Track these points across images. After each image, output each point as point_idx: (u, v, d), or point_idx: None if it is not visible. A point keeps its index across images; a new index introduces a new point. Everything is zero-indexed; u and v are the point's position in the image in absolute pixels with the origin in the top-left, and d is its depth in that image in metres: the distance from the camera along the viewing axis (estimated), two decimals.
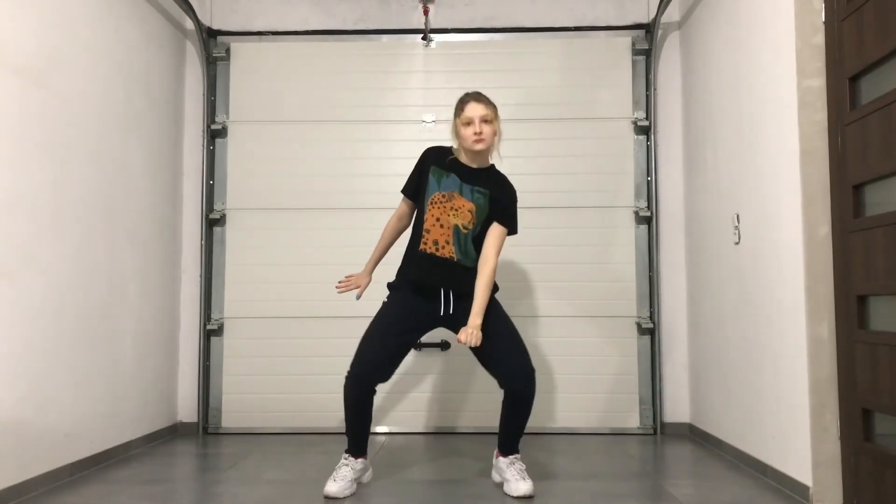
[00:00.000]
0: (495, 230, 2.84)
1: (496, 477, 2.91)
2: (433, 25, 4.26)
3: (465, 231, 2.81)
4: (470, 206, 2.80)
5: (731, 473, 3.11)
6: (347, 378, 2.79)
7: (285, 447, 3.71)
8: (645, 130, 4.20)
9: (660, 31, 4.23)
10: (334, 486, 2.72)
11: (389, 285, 2.92)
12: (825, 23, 2.65)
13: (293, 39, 4.31)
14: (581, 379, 4.11)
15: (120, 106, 3.51)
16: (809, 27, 2.68)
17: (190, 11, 4.06)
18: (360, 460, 2.84)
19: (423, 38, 4.26)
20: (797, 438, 2.72)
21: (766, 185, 2.98)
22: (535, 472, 3.08)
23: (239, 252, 4.22)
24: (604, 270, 4.15)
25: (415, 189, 2.91)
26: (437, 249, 2.80)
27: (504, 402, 2.83)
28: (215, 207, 4.24)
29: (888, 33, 2.29)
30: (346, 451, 2.84)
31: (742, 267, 3.26)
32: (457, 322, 2.82)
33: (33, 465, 2.82)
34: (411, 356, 4.12)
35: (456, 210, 2.80)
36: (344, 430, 2.88)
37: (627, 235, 4.17)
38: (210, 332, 4.18)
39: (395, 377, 4.08)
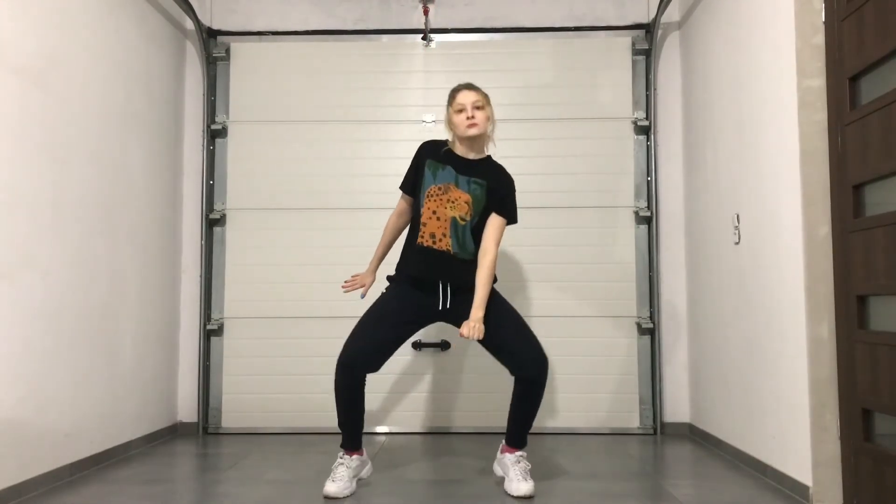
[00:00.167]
0: (494, 221, 2.84)
1: (498, 470, 2.90)
2: (433, 25, 4.26)
3: (463, 223, 2.80)
4: (466, 197, 2.80)
5: (731, 473, 3.11)
6: (336, 368, 2.77)
7: (285, 447, 3.71)
8: (645, 130, 4.20)
9: (660, 31, 4.23)
10: (333, 487, 2.72)
11: (389, 278, 2.92)
12: (825, 23, 2.65)
13: (293, 39, 4.31)
14: (581, 379, 4.11)
15: (120, 106, 3.52)
16: (809, 27, 2.68)
17: (190, 11, 4.06)
18: (355, 457, 2.83)
19: (423, 38, 4.27)
20: (797, 438, 2.72)
21: (766, 185, 2.98)
22: (535, 472, 3.08)
23: (239, 252, 4.22)
24: (604, 270, 4.15)
25: (412, 184, 2.91)
26: (433, 242, 2.79)
27: (515, 390, 2.82)
28: (215, 207, 4.24)
29: (888, 33, 2.29)
30: (342, 447, 2.84)
31: (742, 267, 3.26)
32: (457, 316, 2.80)
33: (33, 465, 2.82)
34: (411, 356, 4.13)
35: (452, 202, 2.79)
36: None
37: (627, 235, 4.17)
38: (210, 332, 4.18)
39: (394, 377, 4.11)
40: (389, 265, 2.99)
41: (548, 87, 4.24)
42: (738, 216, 3.30)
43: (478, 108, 2.81)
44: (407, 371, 4.13)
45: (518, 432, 2.86)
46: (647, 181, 4.18)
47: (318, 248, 4.20)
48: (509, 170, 2.94)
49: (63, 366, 3.02)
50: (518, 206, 2.93)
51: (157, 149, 3.91)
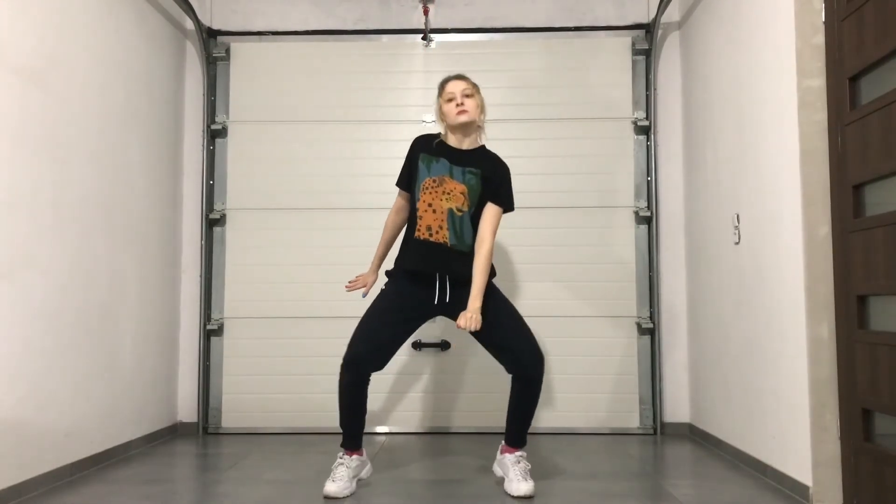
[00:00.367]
0: (490, 210, 2.83)
1: (497, 470, 2.90)
2: (433, 25, 4.26)
3: (460, 213, 2.80)
4: (462, 187, 2.80)
5: (731, 473, 3.11)
6: (341, 368, 2.78)
7: (285, 447, 3.71)
8: (645, 130, 4.20)
9: (660, 31, 4.23)
10: (333, 487, 2.72)
11: (387, 273, 2.92)
12: (825, 23, 2.65)
13: (293, 39, 4.31)
14: (581, 379, 4.11)
15: (120, 106, 3.52)
16: (809, 27, 2.68)
17: (190, 11, 4.06)
18: (355, 457, 2.83)
19: (423, 38, 4.27)
20: (797, 438, 2.72)
21: (766, 185, 2.98)
22: (535, 472, 3.08)
23: (239, 252, 4.22)
24: (604, 270, 4.15)
25: (408, 180, 2.92)
26: (430, 235, 2.79)
27: (512, 388, 2.82)
28: (215, 207, 4.24)
29: (888, 33, 2.29)
30: (342, 447, 2.84)
31: (742, 267, 3.26)
32: (455, 310, 2.79)
33: (33, 465, 2.82)
34: (411, 356, 4.13)
35: (448, 194, 2.79)
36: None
37: (627, 235, 4.17)
38: (210, 332, 4.18)
39: (394, 377, 4.11)
40: (391, 263, 2.99)
41: (548, 87, 4.24)
42: (738, 216, 3.30)
43: (467, 95, 2.83)
44: (407, 371, 4.13)
45: (517, 432, 2.85)
46: (647, 181, 4.18)
47: (318, 248, 4.20)
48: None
49: (63, 366, 3.02)
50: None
51: (157, 149, 3.91)
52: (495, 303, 2.81)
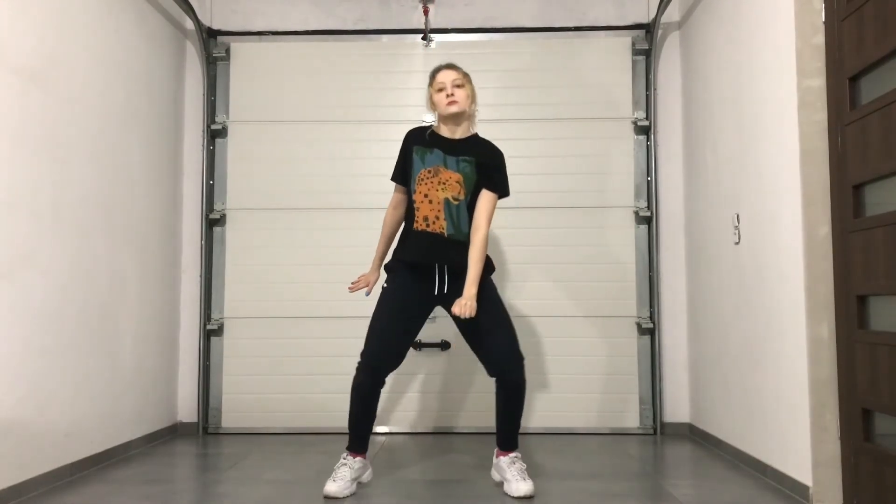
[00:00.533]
0: (485, 196, 2.83)
1: (496, 476, 2.90)
2: (433, 25, 4.26)
3: (456, 202, 2.80)
4: (457, 176, 2.80)
5: (731, 473, 3.11)
6: (358, 370, 2.79)
7: (285, 447, 3.71)
8: (645, 130, 4.20)
9: (660, 31, 4.23)
10: (333, 486, 2.72)
11: (386, 267, 2.93)
12: (825, 23, 2.65)
13: (293, 39, 4.31)
14: (581, 379, 4.11)
15: (120, 106, 3.52)
16: (809, 27, 2.68)
17: (190, 11, 4.06)
18: (358, 459, 2.83)
19: (423, 38, 4.27)
20: (797, 438, 2.72)
21: (766, 185, 2.98)
22: (535, 472, 3.08)
23: (239, 252, 4.22)
24: (604, 270, 4.15)
25: (403, 174, 2.93)
26: (427, 225, 2.80)
27: (496, 393, 2.84)
28: (215, 207, 4.24)
29: (888, 33, 2.29)
30: (347, 449, 2.84)
31: (742, 267, 3.26)
32: (453, 300, 2.78)
33: (33, 465, 2.82)
34: (411, 356, 4.11)
35: (443, 183, 2.80)
36: (346, 431, 2.87)
37: (627, 235, 4.17)
38: (210, 332, 4.18)
39: (394, 377, 4.10)
40: None
41: (548, 87, 4.24)
42: (738, 216, 3.30)
43: (458, 86, 2.83)
44: (407, 371, 4.12)
45: (507, 435, 2.86)
46: (647, 181, 4.18)
47: (319, 247, 4.20)
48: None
49: (63, 366, 3.02)
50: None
51: (157, 149, 3.91)
52: (488, 301, 2.80)
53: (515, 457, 2.84)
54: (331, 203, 4.22)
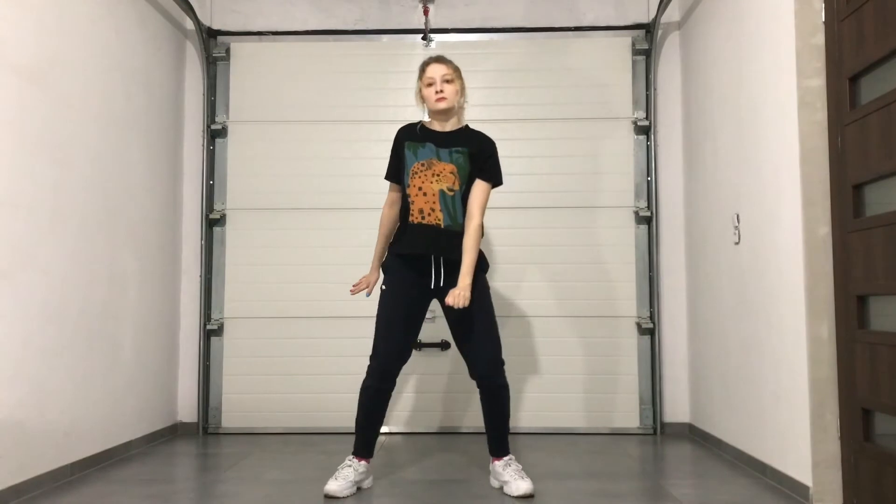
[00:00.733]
0: (478, 186, 2.84)
1: (495, 483, 2.89)
2: (433, 25, 4.26)
3: (452, 193, 2.80)
4: (451, 167, 2.81)
5: (731, 473, 3.11)
6: (368, 374, 2.81)
7: (285, 447, 3.71)
8: (645, 130, 4.20)
9: (660, 31, 4.23)
10: (335, 485, 2.72)
11: (382, 266, 2.93)
12: (825, 23, 2.65)
13: (293, 39, 4.31)
14: (581, 379, 4.11)
15: (120, 106, 3.52)
16: (809, 27, 2.68)
17: (190, 11, 4.06)
18: (363, 463, 2.83)
19: (423, 38, 4.27)
20: (797, 438, 2.72)
21: (766, 185, 2.98)
22: (535, 472, 3.08)
23: (239, 252, 4.22)
24: (604, 270, 4.15)
25: (396, 171, 2.93)
26: (423, 218, 2.80)
27: (480, 397, 2.85)
28: (215, 207, 4.24)
29: (888, 33, 2.29)
30: (353, 454, 2.84)
31: (742, 267, 3.26)
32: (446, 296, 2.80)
33: (33, 465, 2.82)
34: (412, 356, 4.11)
35: (437, 175, 2.80)
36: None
37: (627, 235, 4.17)
38: (210, 332, 4.19)
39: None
40: None
41: (548, 88, 4.24)
42: (738, 216, 3.30)
43: (447, 81, 2.83)
44: (407, 371, 4.10)
45: (497, 440, 2.86)
46: (647, 181, 4.18)
47: (318, 247, 4.20)
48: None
49: (63, 366, 3.02)
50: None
51: (157, 149, 3.91)
52: (479, 300, 2.80)
53: (510, 459, 2.84)
54: (331, 203, 4.22)
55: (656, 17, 4.10)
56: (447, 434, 4.06)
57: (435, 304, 3.91)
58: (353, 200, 4.20)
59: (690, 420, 4.05)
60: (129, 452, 3.55)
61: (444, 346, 4.13)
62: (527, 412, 4.08)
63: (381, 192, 4.06)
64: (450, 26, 4.28)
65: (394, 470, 3.18)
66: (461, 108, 2.92)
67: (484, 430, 2.82)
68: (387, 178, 2.98)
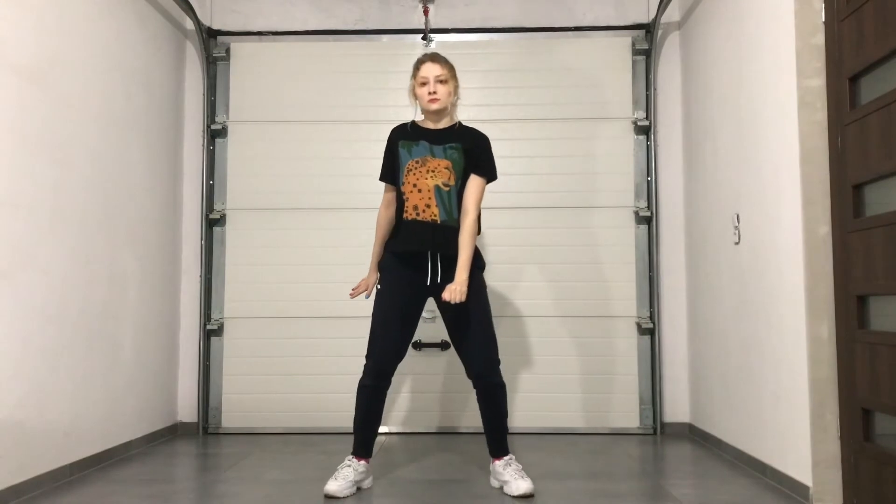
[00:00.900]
0: (473, 181, 2.84)
1: (495, 483, 2.89)
2: (433, 25, 4.26)
3: (447, 188, 2.81)
4: (445, 163, 2.81)
5: (731, 473, 3.11)
6: (365, 374, 2.81)
7: (285, 447, 3.71)
8: (645, 130, 4.20)
9: (660, 31, 4.23)
10: (334, 485, 2.72)
11: (379, 265, 2.93)
12: (825, 23, 2.65)
13: (293, 39, 4.31)
14: (581, 379, 4.11)
15: (120, 106, 3.52)
16: (809, 27, 2.68)
17: (190, 11, 4.06)
18: (362, 463, 2.83)
19: (423, 38, 4.27)
20: (797, 438, 2.72)
21: (766, 185, 2.98)
22: (535, 472, 3.08)
23: (239, 252, 4.22)
24: (604, 270, 4.15)
25: (391, 171, 2.94)
26: (417, 214, 2.80)
27: (476, 397, 2.86)
28: (215, 207, 4.24)
29: (888, 33, 2.29)
30: (352, 454, 2.84)
31: (742, 267, 3.26)
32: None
33: (33, 465, 2.82)
34: (411, 356, 4.12)
35: (432, 171, 2.80)
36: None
37: (627, 235, 4.17)
38: (210, 332, 4.19)
39: (395, 377, 4.09)
40: None
41: (548, 87, 4.24)
42: (738, 216, 3.30)
43: (441, 81, 2.83)
44: (407, 371, 4.13)
45: (496, 440, 2.86)
46: (647, 181, 4.18)
47: (318, 248, 4.20)
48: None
49: (63, 366, 3.02)
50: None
51: (157, 149, 3.91)
52: (475, 299, 2.79)
53: (510, 459, 2.84)
54: (331, 203, 4.22)
55: (656, 17, 4.10)
56: (447, 434, 4.06)
57: (435, 305, 3.90)
58: (353, 200, 4.20)
59: (690, 420, 4.05)
60: (129, 452, 3.55)
61: (443, 346, 4.13)
62: (527, 412, 4.08)
63: (380, 192, 4.05)
64: (450, 26, 4.28)
65: (393, 470, 3.18)
66: (454, 106, 2.92)
67: (483, 431, 2.82)
68: (381, 178, 2.99)
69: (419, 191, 2.80)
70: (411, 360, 4.13)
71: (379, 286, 2.88)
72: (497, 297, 4.04)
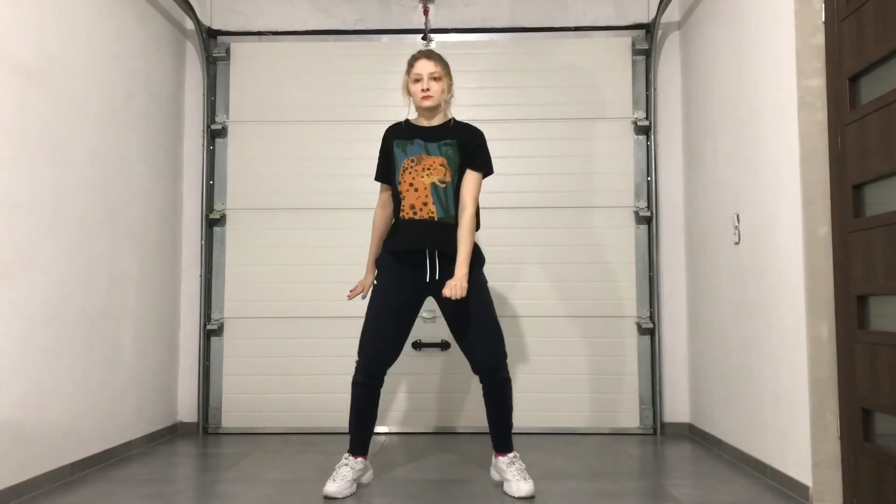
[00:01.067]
0: (469, 176, 2.84)
1: (495, 475, 2.90)
2: (433, 25, 4.26)
3: (443, 185, 2.80)
4: (441, 160, 2.81)
5: (731, 473, 3.11)
6: (357, 371, 2.80)
7: (285, 447, 3.71)
8: (645, 130, 4.20)
9: (660, 31, 4.23)
10: (333, 486, 2.72)
11: (377, 263, 2.92)
12: (825, 23, 2.65)
13: (293, 39, 4.31)
14: (581, 379, 4.11)
15: (120, 106, 3.52)
16: (809, 27, 2.68)
17: (190, 11, 4.06)
18: (359, 460, 2.83)
19: (423, 38, 4.27)
20: (797, 438, 2.72)
21: (766, 185, 2.98)
22: (535, 472, 3.08)
23: (239, 252, 4.22)
24: (604, 270, 4.15)
25: (386, 171, 2.93)
26: (414, 213, 2.80)
27: (483, 392, 2.84)
28: (215, 207, 4.24)
29: (888, 33, 2.29)
30: (348, 451, 2.84)
31: (742, 267, 3.26)
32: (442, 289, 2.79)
33: (33, 465, 2.82)
34: (411, 356, 4.13)
35: (428, 169, 2.80)
36: (346, 431, 2.88)
37: (627, 235, 4.17)
38: (210, 332, 4.19)
39: (394, 377, 4.11)
40: None
41: (548, 87, 4.24)
42: (738, 216, 3.30)
43: (434, 79, 2.84)
44: (407, 371, 4.13)
45: (501, 436, 2.85)
46: (647, 181, 4.18)
47: (318, 248, 4.20)
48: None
49: (63, 366, 3.02)
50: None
51: (158, 149, 3.91)
52: (476, 295, 2.79)
53: (514, 457, 2.84)
54: (331, 203, 4.22)
55: (656, 17, 4.10)
56: (447, 434, 4.06)
57: (435, 305, 3.91)
58: (353, 200, 4.20)
59: (690, 420, 4.05)
60: (129, 452, 3.55)
61: (443, 346, 4.13)
62: (527, 412, 4.08)
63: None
64: (450, 26, 4.28)
65: (394, 470, 3.18)
66: (447, 103, 2.92)
67: (484, 430, 2.82)
68: (377, 179, 2.98)
69: (415, 189, 2.80)
70: (411, 359, 4.13)
71: (375, 282, 2.88)
72: (497, 298, 4.04)
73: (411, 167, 2.82)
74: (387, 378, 4.13)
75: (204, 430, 4.13)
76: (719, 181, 3.55)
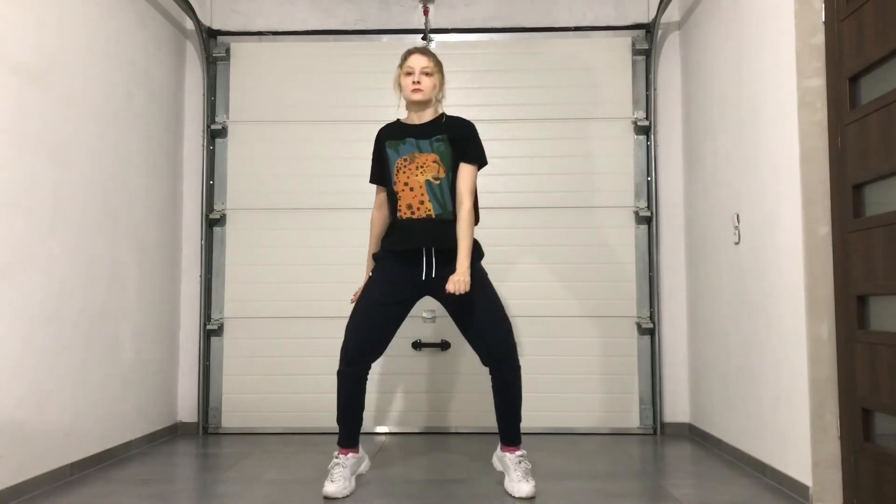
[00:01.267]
0: (464, 169, 2.84)
1: (497, 465, 2.90)
2: (433, 25, 4.26)
3: (438, 182, 2.81)
4: (433, 156, 2.81)
5: (731, 473, 3.11)
6: (340, 362, 2.79)
7: (285, 447, 3.71)
8: (645, 130, 4.20)
9: (660, 31, 4.23)
10: (332, 487, 2.71)
11: (375, 257, 2.92)
12: (825, 23, 2.65)
13: (293, 39, 4.31)
14: (581, 379, 4.11)
15: (120, 106, 3.52)
16: (809, 27, 2.68)
17: (190, 11, 4.06)
18: (350, 455, 2.82)
19: (423, 39, 4.27)
20: (797, 438, 2.72)
21: (766, 185, 2.98)
22: (535, 472, 3.08)
23: (239, 252, 4.23)
24: (603, 270, 4.15)
25: (380, 173, 2.94)
26: (412, 212, 2.80)
27: (492, 383, 2.82)
28: (215, 207, 4.24)
29: (888, 33, 2.29)
30: (338, 446, 2.83)
31: (742, 267, 3.26)
32: (443, 286, 2.79)
33: (33, 465, 2.82)
34: (411, 356, 4.13)
35: (421, 167, 2.81)
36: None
37: (627, 235, 4.17)
38: (210, 332, 4.19)
39: (394, 377, 4.11)
40: None
41: (548, 87, 4.24)
42: (738, 216, 3.30)
43: (426, 73, 2.84)
44: (407, 371, 4.13)
45: (509, 429, 2.84)
46: (647, 181, 4.18)
47: (318, 247, 4.20)
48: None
49: (63, 366, 3.02)
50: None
51: (158, 149, 3.91)
52: (479, 288, 2.78)
53: (522, 455, 2.83)
54: (331, 203, 4.23)
55: (656, 17, 4.10)
56: (447, 434, 4.06)
57: (435, 305, 3.92)
58: (353, 200, 4.20)
59: (690, 420, 4.05)
60: (129, 452, 3.55)
61: (443, 346, 4.13)
62: (527, 412, 4.06)
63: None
64: (450, 26, 4.28)
65: (394, 470, 3.18)
66: (438, 101, 2.92)
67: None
68: (371, 181, 2.99)
69: (411, 189, 2.81)
70: (411, 359, 4.13)
71: (370, 273, 2.88)
72: None
73: (405, 166, 2.82)
74: (387, 378, 4.15)
75: (204, 430, 4.13)
76: (719, 181, 3.55)
